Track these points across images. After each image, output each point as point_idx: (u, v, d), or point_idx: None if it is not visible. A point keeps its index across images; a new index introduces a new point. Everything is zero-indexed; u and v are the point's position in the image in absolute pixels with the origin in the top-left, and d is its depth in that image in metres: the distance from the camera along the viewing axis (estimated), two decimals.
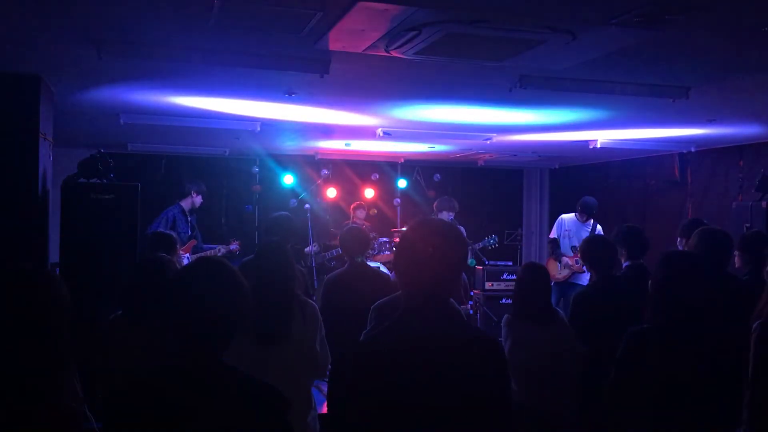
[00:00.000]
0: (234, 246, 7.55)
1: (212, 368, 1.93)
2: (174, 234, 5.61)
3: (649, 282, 2.95)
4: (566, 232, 8.15)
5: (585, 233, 7.96)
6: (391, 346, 2.07)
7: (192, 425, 1.86)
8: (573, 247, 7.98)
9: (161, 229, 6.53)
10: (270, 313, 3.32)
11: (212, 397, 1.89)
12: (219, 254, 7.24)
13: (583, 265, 7.63)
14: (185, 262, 6.33)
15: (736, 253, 4.30)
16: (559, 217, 8.46)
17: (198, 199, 7.53)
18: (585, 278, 7.82)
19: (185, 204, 7.45)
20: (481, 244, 8.42)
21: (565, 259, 7.94)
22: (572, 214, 8.25)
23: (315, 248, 7.91)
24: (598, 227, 8.04)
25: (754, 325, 2.96)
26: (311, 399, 3.57)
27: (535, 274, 4.09)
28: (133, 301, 3.34)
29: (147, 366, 1.98)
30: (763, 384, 2.88)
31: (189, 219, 7.44)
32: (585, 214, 8.01)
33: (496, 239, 8.48)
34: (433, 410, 1.99)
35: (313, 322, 3.53)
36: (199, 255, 6.20)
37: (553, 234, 8.35)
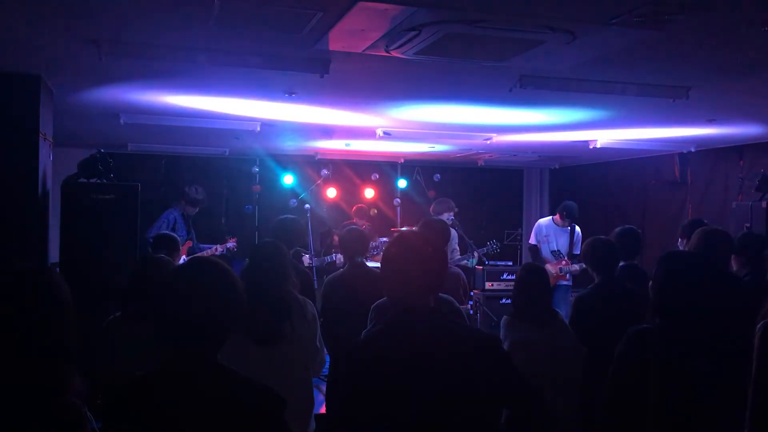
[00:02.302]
0: (231, 244, 7.55)
1: (208, 369, 1.94)
2: (176, 235, 5.62)
3: (650, 283, 2.95)
4: (545, 237, 8.16)
5: (565, 236, 7.98)
6: (390, 344, 2.07)
7: (189, 425, 1.86)
8: (554, 252, 7.99)
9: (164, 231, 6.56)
10: (263, 315, 3.33)
11: (208, 398, 1.89)
12: (217, 253, 7.25)
13: (566, 273, 7.69)
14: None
15: (732, 256, 4.30)
16: (537, 223, 8.47)
17: (189, 209, 7.52)
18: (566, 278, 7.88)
19: (183, 207, 7.46)
20: (484, 250, 8.41)
21: (547, 267, 7.93)
22: (549, 218, 8.28)
23: (312, 258, 7.81)
24: (577, 229, 8.05)
25: (759, 326, 2.94)
26: (313, 396, 3.59)
27: (535, 275, 4.08)
28: (131, 302, 3.34)
29: (145, 367, 1.98)
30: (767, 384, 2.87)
31: (187, 221, 7.43)
32: (568, 218, 8.01)
33: (498, 244, 8.47)
34: (433, 407, 1.99)
35: (313, 320, 3.55)
36: (193, 256, 6.21)
37: (533, 240, 8.36)
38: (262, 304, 3.33)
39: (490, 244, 8.42)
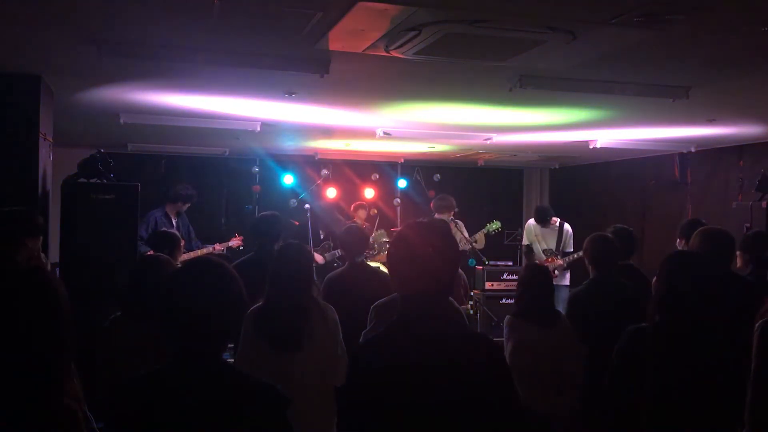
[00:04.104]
0: (233, 242, 7.53)
1: (211, 367, 1.94)
2: (177, 233, 5.61)
3: (653, 281, 2.96)
4: (535, 237, 8.28)
5: (553, 234, 8.09)
6: (392, 348, 2.06)
7: (191, 424, 1.86)
8: (545, 251, 8.03)
9: (143, 232, 6.61)
10: (281, 320, 3.32)
11: (211, 396, 1.89)
12: (215, 252, 7.23)
13: (555, 270, 7.71)
14: None
15: (737, 253, 4.30)
16: (527, 223, 8.58)
17: (181, 206, 7.48)
18: (565, 279, 7.89)
19: (169, 208, 7.40)
20: (483, 230, 8.34)
21: None
22: None
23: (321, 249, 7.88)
24: (566, 226, 8.11)
25: (757, 324, 2.95)
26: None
27: (538, 275, 4.07)
28: (132, 301, 3.33)
29: (147, 366, 1.99)
30: (766, 384, 2.87)
31: (174, 221, 7.38)
32: (541, 222, 8.19)
33: (499, 224, 8.42)
34: (434, 411, 1.99)
35: (334, 326, 3.52)
36: (197, 256, 6.20)
37: (525, 241, 8.50)
38: (282, 310, 3.32)
39: (489, 224, 8.37)
